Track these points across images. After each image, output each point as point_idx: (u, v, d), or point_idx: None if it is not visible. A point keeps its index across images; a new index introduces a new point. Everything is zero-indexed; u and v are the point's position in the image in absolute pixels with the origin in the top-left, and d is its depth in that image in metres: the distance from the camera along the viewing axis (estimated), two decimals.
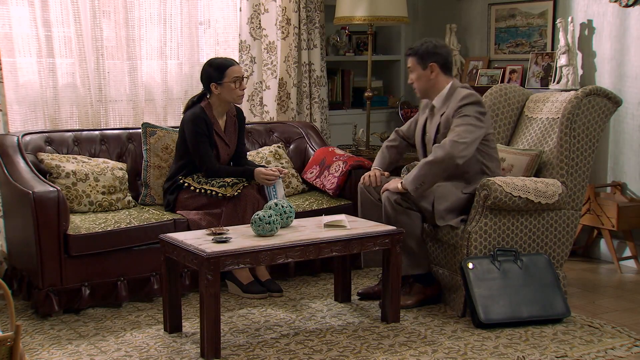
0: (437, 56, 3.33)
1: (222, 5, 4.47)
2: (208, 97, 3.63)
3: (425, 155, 3.43)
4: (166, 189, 3.68)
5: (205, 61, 4.47)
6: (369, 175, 3.44)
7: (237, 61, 3.66)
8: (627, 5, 3.89)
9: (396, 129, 3.68)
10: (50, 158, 3.56)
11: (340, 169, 3.97)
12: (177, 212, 3.59)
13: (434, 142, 3.34)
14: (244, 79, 3.66)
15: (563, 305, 3.19)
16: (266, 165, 3.79)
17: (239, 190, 3.47)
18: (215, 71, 3.56)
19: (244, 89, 3.61)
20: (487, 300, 3.13)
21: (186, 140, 3.59)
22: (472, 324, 3.14)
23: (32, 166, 3.43)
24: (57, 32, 3.90)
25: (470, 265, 3.17)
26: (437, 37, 5.01)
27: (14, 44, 3.80)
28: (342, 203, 3.91)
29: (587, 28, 4.13)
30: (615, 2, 3.93)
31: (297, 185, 4.10)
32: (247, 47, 4.48)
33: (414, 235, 3.32)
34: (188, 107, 3.68)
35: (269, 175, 3.50)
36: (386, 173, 3.52)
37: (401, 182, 3.26)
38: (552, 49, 4.32)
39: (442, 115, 3.32)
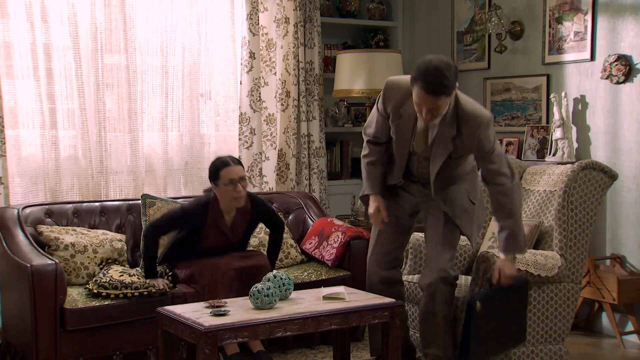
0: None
1: (223, 78, 4.57)
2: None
3: (405, 164, 3.09)
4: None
5: (204, 132, 4.54)
6: (383, 217, 3.11)
7: (238, 159, 3.50)
8: (618, 82, 3.99)
9: (368, 138, 3.17)
10: (49, 230, 3.57)
11: (339, 239, 3.97)
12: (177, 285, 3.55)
13: (444, 163, 2.99)
14: (244, 179, 3.41)
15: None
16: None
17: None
18: (212, 172, 3.45)
19: (240, 191, 3.38)
20: (482, 342, 3.06)
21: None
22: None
23: (31, 239, 3.44)
24: (61, 106, 3.98)
25: (478, 305, 3.04)
26: None
27: (19, 118, 3.88)
28: (341, 274, 3.90)
29: (581, 103, 4.22)
30: (606, 79, 4.03)
31: (296, 256, 4.09)
32: (247, 119, 4.56)
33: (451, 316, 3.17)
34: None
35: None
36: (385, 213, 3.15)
37: (514, 259, 3.11)
38: (547, 122, 4.40)
39: (453, 138, 2.94)
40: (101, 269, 3.57)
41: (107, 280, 3.38)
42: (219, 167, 3.42)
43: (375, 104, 3.12)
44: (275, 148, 4.70)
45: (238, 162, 3.48)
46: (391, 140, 3.10)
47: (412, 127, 2.98)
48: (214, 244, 3.51)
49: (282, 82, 4.68)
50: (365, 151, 3.20)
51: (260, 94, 4.60)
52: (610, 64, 3.98)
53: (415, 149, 3.03)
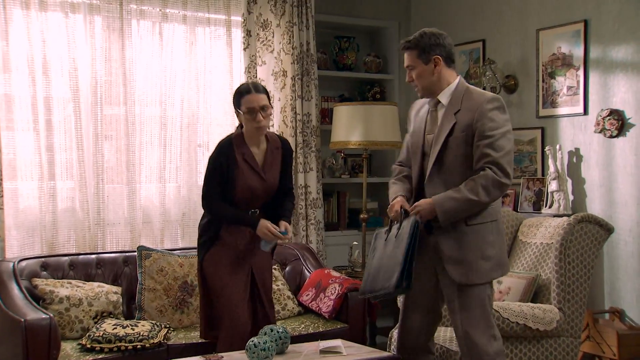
0: (439, 48, 2.87)
1: (221, 130, 4.59)
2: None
3: (422, 162, 2.94)
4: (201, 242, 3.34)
5: (202, 184, 4.56)
6: (395, 211, 2.88)
7: (263, 87, 3.24)
8: (611, 137, 4.04)
9: (397, 163, 3.15)
10: (44, 283, 3.55)
11: (336, 291, 3.95)
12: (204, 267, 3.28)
13: (444, 144, 2.83)
14: (265, 108, 3.17)
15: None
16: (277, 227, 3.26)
17: (161, 338, 3.38)
18: (235, 99, 3.23)
19: (260, 120, 3.16)
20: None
21: None
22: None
23: (25, 292, 3.42)
24: (60, 157, 4.00)
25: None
26: None
27: (17, 170, 3.90)
28: (338, 326, 3.86)
29: (575, 156, 4.26)
30: (599, 133, 4.08)
31: (293, 308, 4.06)
32: None
33: None
34: None
35: (270, 237, 3.18)
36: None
37: (435, 209, 2.77)
38: (543, 174, 4.44)
39: (456, 113, 2.84)
40: (95, 322, 3.54)
41: (101, 334, 3.34)
42: (240, 94, 3.20)
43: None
44: None
45: (261, 90, 3.22)
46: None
47: (425, 119, 2.98)
48: (248, 187, 3.21)
49: (280, 134, 4.73)
50: (393, 174, 3.13)
51: None
52: (603, 119, 4.04)
53: (427, 137, 2.95)
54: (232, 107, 3.30)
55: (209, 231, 3.30)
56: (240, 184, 3.21)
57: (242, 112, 3.19)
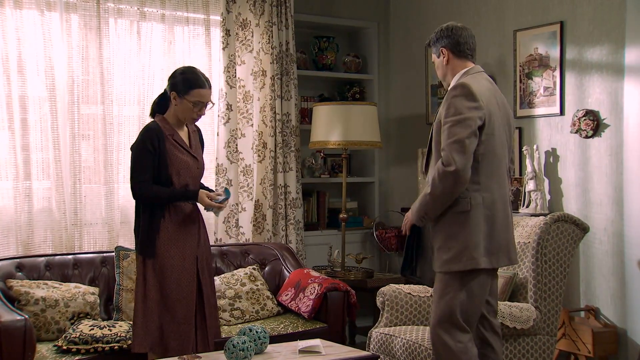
0: (445, 39, 2.93)
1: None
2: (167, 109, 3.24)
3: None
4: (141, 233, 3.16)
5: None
6: None
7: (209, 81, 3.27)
8: (587, 137, 4.09)
9: None
10: (19, 284, 3.51)
11: (316, 291, 3.95)
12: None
13: (429, 145, 2.92)
14: (209, 105, 3.23)
15: None
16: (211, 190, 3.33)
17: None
18: (183, 84, 3.17)
19: (201, 116, 3.22)
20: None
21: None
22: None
23: (0, 294, 3.37)
24: (36, 157, 3.97)
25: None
26: (406, 163, 5.22)
27: None
28: (318, 326, 3.87)
29: (552, 156, 4.31)
30: (575, 133, 4.13)
31: (272, 308, 4.06)
32: (224, 170, 4.57)
33: None
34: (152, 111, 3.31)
35: (213, 204, 3.17)
36: None
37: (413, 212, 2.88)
38: (520, 174, 4.48)
39: (442, 103, 2.89)
40: (72, 324, 3.51)
41: (77, 336, 3.32)
42: (192, 84, 3.17)
43: None
44: (251, 199, 4.70)
45: (210, 85, 3.26)
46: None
47: None
48: (187, 166, 3.19)
49: (259, 134, 4.72)
50: None
51: (237, 145, 4.63)
52: (579, 119, 4.09)
53: None
54: (170, 88, 3.18)
55: (150, 229, 3.12)
56: (178, 164, 3.16)
57: (185, 100, 3.16)
